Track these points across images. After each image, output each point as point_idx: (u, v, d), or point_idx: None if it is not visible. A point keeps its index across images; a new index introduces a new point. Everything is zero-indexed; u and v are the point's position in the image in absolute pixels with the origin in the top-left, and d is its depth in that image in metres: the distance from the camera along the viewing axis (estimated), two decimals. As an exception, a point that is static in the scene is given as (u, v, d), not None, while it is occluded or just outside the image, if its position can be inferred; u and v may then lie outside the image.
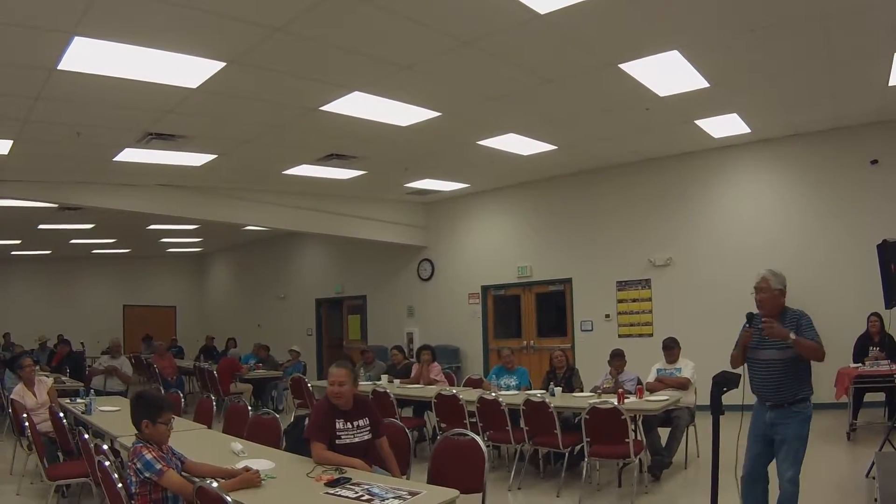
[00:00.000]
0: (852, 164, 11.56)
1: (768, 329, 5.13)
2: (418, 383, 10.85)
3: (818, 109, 10.74)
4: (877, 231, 9.73)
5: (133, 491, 4.33)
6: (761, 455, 5.27)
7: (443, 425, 8.91)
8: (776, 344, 5.15)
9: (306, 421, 5.53)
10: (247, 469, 4.52)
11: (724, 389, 4.91)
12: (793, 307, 5.36)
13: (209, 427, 7.44)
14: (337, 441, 5.21)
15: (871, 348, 9.86)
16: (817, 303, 11.38)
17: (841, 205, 11.71)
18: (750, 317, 5.34)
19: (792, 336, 5.05)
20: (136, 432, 4.52)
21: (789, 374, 5.16)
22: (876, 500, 5.61)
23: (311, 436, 5.19)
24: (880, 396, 9.92)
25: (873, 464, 6.76)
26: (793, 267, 11.53)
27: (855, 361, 10.01)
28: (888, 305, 9.03)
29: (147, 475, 4.26)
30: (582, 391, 9.29)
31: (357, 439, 5.30)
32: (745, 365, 5.39)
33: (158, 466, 4.28)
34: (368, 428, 5.44)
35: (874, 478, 6.42)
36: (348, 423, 5.33)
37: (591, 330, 14.45)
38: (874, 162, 11.34)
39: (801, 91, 9.77)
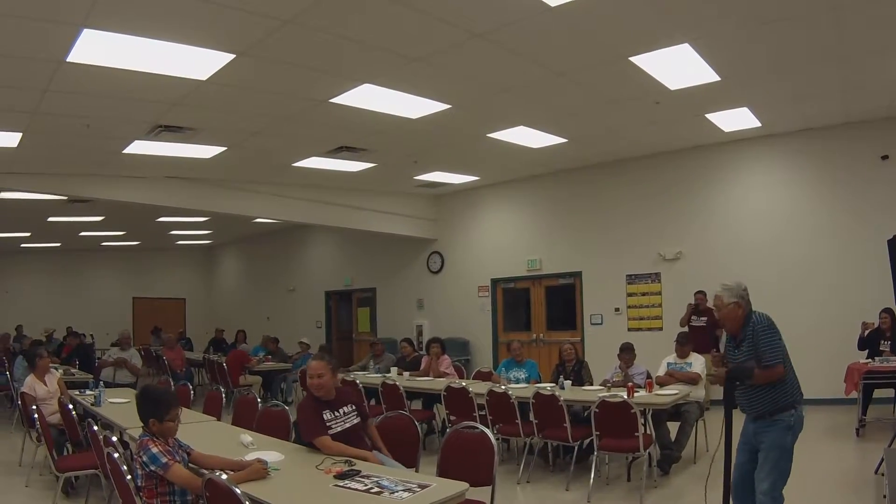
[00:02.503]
0: (863, 159, 11.49)
1: (715, 380, 5.12)
2: (428, 376, 10.85)
3: (829, 104, 10.67)
4: (887, 226, 9.69)
5: (139, 484, 4.33)
6: (747, 465, 5.08)
7: (452, 418, 8.90)
8: (745, 355, 4.98)
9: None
10: (258, 461, 4.52)
11: (738, 384, 4.87)
12: (758, 311, 5.09)
13: (218, 419, 7.44)
14: (330, 432, 5.23)
15: (881, 342, 9.83)
16: (827, 298, 11.46)
17: (851, 200, 11.64)
18: (715, 339, 5.31)
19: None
20: (143, 426, 4.52)
21: (762, 386, 4.92)
22: (885, 496, 5.57)
23: (311, 434, 5.21)
24: (890, 392, 9.88)
25: (883, 460, 6.73)
26: (803, 262, 11.71)
27: (861, 349, 10.00)
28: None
29: (153, 468, 4.26)
30: (591, 384, 9.28)
31: (348, 425, 5.37)
32: None
33: (164, 460, 4.28)
34: (355, 412, 5.51)
35: (883, 474, 6.38)
36: (335, 412, 5.38)
37: (601, 323, 14.43)
38: (885, 157, 11.26)
39: (813, 85, 9.72)
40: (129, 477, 4.41)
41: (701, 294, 12.40)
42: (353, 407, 5.54)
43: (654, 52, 8.03)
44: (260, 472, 4.38)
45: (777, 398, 4.90)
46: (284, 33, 6.89)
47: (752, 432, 5.06)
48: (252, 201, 14.98)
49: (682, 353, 9.12)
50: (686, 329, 12.42)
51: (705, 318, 12.27)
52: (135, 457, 4.39)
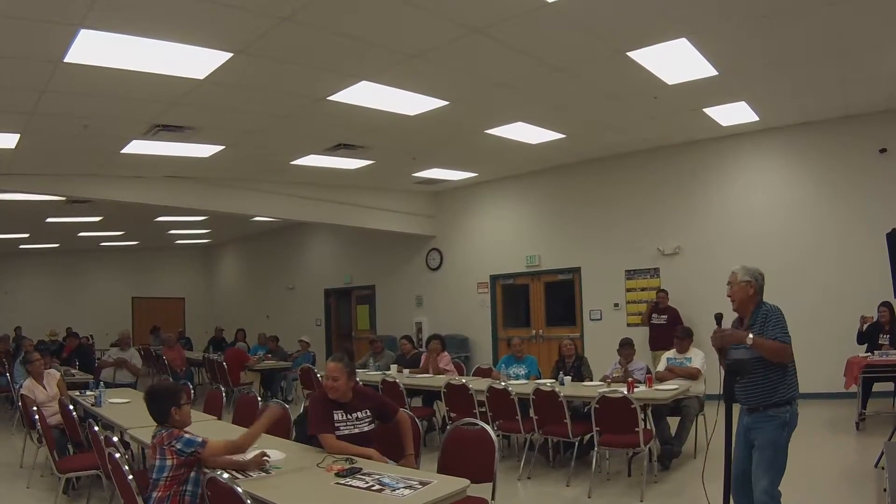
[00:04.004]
0: (861, 152, 11.50)
1: (721, 339, 4.90)
2: (427, 373, 10.85)
3: (827, 98, 10.68)
4: (886, 220, 9.68)
5: (165, 475, 4.34)
6: (746, 460, 5.01)
7: (452, 415, 8.91)
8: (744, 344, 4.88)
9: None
10: (263, 454, 4.58)
11: (738, 378, 4.85)
12: (770, 303, 5.00)
13: (219, 418, 7.44)
14: (336, 433, 5.16)
15: (880, 336, 9.85)
16: (827, 291, 11.46)
17: (850, 193, 11.66)
18: (718, 318, 5.18)
19: (749, 340, 4.75)
20: (162, 423, 4.53)
21: (759, 375, 4.84)
22: (885, 490, 5.55)
23: (317, 430, 5.15)
24: (890, 386, 9.90)
25: (882, 454, 6.73)
26: (802, 256, 11.71)
27: (860, 343, 10.02)
28: (898, 295, 9.01)
29: (192, 451, 4.33)
30: (591, 380, 9.29)
31: (356, 430, 5.27)
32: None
33: (200, 439, 4.38)
34: (369, 419, 5.41)
35: (883, 468, 6.39)
36: (347, 415, 5.30)
37: (600, 319, 14.44)
38: (883, 150, 11.28)
39: (811, 79, 9.72)
40: (130, 477, 4.41)
41: (662, 292, 12.95)
42: (368, 413, 5.42)
43: (652, 47, 8.03)
44: (259, 462, 4.48)
45: (775, 391, 4.83)
46: (282, 31, 6.89)
47: (747, 426, 5.01)
48: (251, 200, 14.99)
49: (682, 349, 9.11)
50: (648, 327, 13.02)
51: (666, 316, 12.66)
52: (162, 447, 4.37)
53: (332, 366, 5.35)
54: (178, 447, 4.33)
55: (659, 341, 12.22)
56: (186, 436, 4.38)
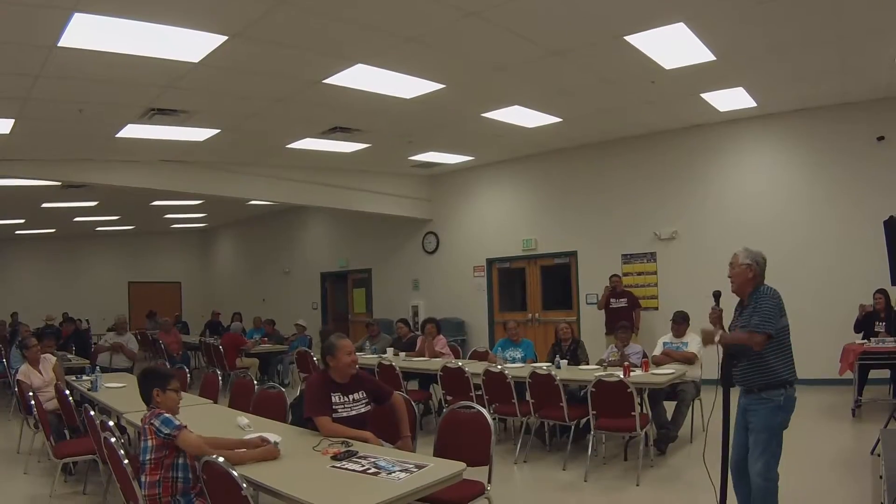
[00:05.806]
0: (859, 140, 11.47)
1: (703, 338, 5.00)
2: (423, 356, 10.86)
3: (825, 84, 10.65)
4: (884, 207, 9.68)
5: (148, 457, 4.34)
6: (744, 445, 5.03)
7: (449, 398, 8.92)
8: (741, 324, 4.93)
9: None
10: (262, 439, 4.63)
11: (736, 362, 4.85)
12: (770, 285, 5.01)
13: (215, 402, 7.46)
14: (334, 415, 5.19)
15: (876, 323, 9.86)
16: (824, 279, 11.47)
17: (847, 181, 11.63)
18: (716, 295, 5.19)
19: (716, 337, 4.84)
20: (148, 405, 4.58)
21: (754, 357, 4.85)
22: (881, 477, 5.58)
23: (314, 412, 5.18)
24: (886, 373, 9.93)
25: (878, 441, 6.75)
26: (798, 242, 11.72)
27: (857, 331, 10.02)
28: (895, 282, 9.02)
29: (167, 432, 4.30)
30: (587, 364, 9.29)
31: (354, 412, 5.30)
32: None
33: (177, 423, 4.36)
34: (365, 401, 5.44)
35: (879, 455, 6.40)
36: (345, 397, 5.33)
37: (597, 303, 14.41)
38: (881, 138, 11.25)
39: (809, 66, 9.68)
40: (126, 461, 4.41)
41: (616, 277, 13.16)
42: (364, 395, 5.46)
43: (649, 32, 7.98)
44: (272, 452, 4.47)
45: (772, 372, 4.84)
46: (277, 14, 6.85)
47: (743, 407, 5.03)
48: (247, 183, 14.96)
49: (679, 333, 9.12)
50: (604, 310, 13.21)
51: (625, 299, 12.84)
52: (145, 427, 4.39)
53: (349, 342, 5.45)
54: (156, 425, 4.34)
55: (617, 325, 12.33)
56: (166, 415, 4.39)
